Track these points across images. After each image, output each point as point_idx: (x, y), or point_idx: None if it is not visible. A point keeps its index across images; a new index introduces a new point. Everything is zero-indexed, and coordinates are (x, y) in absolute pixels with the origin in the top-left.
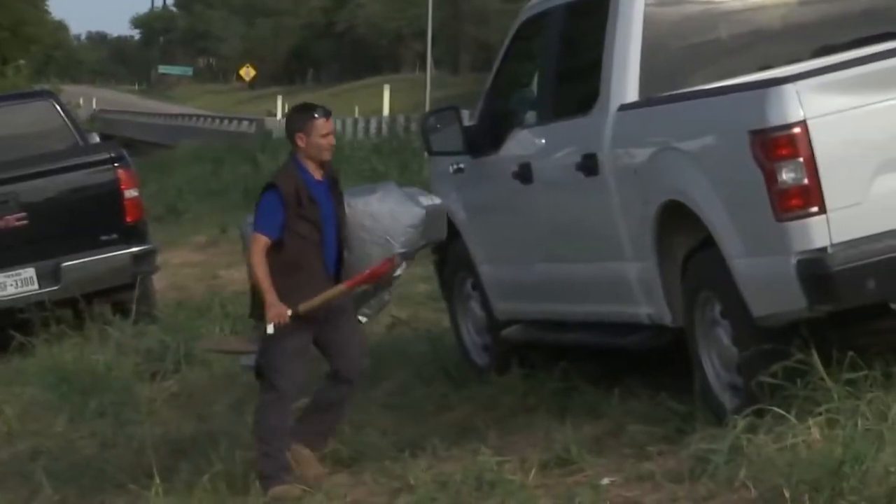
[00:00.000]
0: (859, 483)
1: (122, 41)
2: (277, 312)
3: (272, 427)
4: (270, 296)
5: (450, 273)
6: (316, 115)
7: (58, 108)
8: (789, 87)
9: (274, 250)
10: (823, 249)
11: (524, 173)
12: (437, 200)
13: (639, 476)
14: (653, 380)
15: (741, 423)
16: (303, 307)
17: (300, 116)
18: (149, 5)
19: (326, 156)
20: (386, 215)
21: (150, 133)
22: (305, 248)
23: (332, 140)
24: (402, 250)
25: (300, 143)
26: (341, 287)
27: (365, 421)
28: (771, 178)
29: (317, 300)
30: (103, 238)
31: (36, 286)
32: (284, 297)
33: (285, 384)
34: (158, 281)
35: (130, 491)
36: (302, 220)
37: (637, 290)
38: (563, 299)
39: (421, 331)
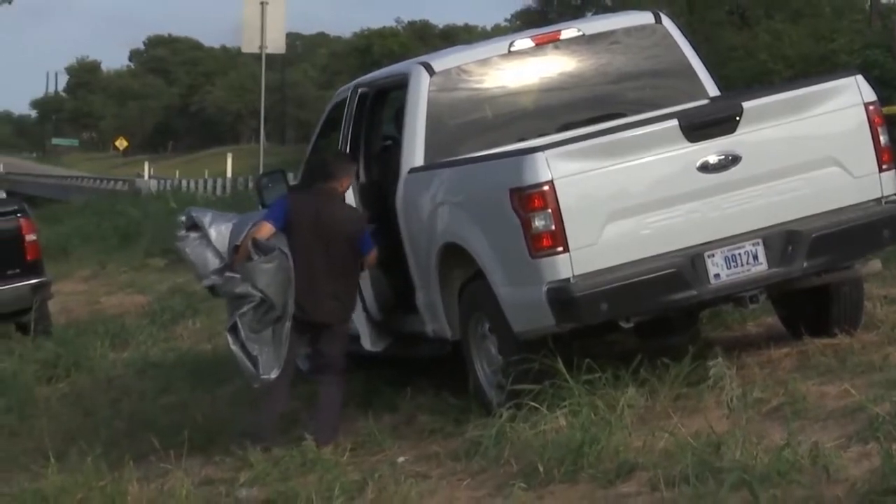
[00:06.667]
0: (595, 459)
1: (23, 119)
2: None
3: None
4: None
5: None
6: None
7: None
8: (540, 155)
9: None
10: (567, 280)
11: None
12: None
13: (427, 456)
14: (437, 381)
15: (505, 414)
16: None
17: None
18: (44, 90)
19: None
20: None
21: (45, 190)
22: None
23: None
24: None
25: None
26: None
27: (215, 413)
28: (527, 225)
29: None
30: (9, 272)
31: None
32: None
33: None
34: (52, 305)
35: (32, 470)
36: None
37: (424, 312)
38: None
39: None
